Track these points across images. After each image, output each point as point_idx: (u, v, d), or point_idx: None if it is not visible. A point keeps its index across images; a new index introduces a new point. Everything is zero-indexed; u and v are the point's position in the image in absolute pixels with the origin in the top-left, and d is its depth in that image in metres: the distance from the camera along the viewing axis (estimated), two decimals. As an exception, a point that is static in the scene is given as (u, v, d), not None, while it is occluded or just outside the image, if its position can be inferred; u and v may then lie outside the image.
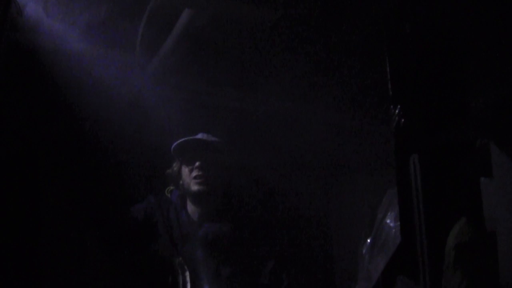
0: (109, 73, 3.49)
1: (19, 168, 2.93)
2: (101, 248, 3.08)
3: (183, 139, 3.23)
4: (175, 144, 3.24)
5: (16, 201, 2.84)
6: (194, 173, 3.15)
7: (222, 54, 3.48)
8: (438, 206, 2.03)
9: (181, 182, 3.23)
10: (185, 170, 3.19)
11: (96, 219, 3.13)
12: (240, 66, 3.58)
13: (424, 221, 2.00)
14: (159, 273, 2.98)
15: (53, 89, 3.30)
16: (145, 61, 3.62)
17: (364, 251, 3.18)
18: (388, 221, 2.96)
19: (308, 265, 3.97)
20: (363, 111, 3.61)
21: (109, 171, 3.54)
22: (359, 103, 3.58)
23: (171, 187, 3.28)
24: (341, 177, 4.25)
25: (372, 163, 3.87)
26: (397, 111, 2.12)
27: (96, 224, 3.12)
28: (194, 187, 3.13)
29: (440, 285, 1.92)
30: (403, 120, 2.11)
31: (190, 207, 3.19)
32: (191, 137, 3.22)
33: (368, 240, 3.12)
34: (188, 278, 2.96)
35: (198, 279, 2.98)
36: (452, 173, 2.06)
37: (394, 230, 2.86)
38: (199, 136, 3.24)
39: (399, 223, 2.37)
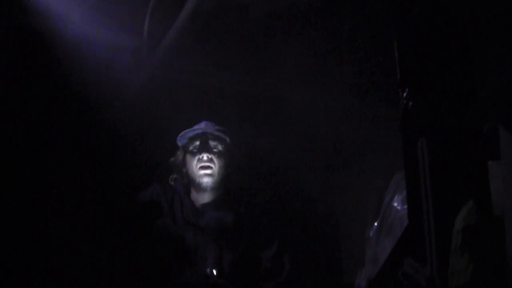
0: (116, 57, 3.49)
1: (27, 153, 2.94)
2: (107, 234, 3.10)
3: (189, 130, 3.24)
4: (180, 134, 3.25)
5: (24, 186, 2.86)
6: (200, 164, 3.16)
7: (230, 38, 3.48)
8: (446, 189, 2.03)
9: (185, 170, 3.24)
10: (190, 159, 3.20)
11: (102, 206, 3.16)
12: (248, 50, 3.58)
13: (432, 204, 2.00)
14: (163, 259, 2.99)
15: (60, 73, 3.31)
16: (153, 45, 3.62)
17: (371, 234, 3.18)
18: (395, 204, 2.97)
19: (312, 249, 3.98)
20: (371, 95, 3.60)
21: (115, 158, 3.56)
22: (366, 87, 3.57)
23: (175, 175, 3.29)
24: (348, 161, 4.25)
25: (379, 147, 3.87)
26: (405, 94, 2.11)
27: (102, 211, 3.15)
28: (202, 179, 3.15)
29: (447, 267, 1.92)
30: (411, 103, 2.10)
31: (194, 195, 3.20)
32: (197, 128, 3.23)
33: (375, 223, 3.13)
34: (191, 264, 2.98)
35: (201, 265, 2.99)
36: (460, 156, 2.05)
37: (401, 213, 2.87)
38: (203, 125, 3.24)
39: (406, 206, 2.38)
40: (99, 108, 3.50)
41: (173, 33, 3.41)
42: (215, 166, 3.16)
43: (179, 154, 3.28)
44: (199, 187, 3.18)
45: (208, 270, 2.99)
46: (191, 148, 3.22)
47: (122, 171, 3.57)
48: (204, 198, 3.19)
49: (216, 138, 3.21)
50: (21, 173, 2.91)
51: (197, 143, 3.20)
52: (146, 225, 3.09)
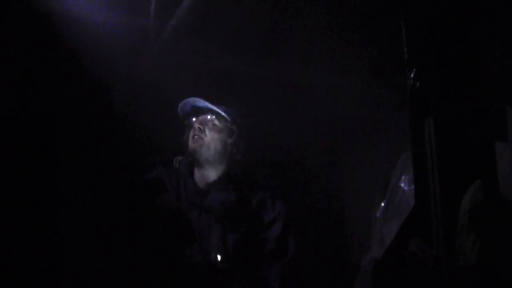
0: (123, 39, 3.49)
1: (35, 133, 2.96)
2: (112, 216, 3.12)
3: (185, 102, 3.25)
4: (179, 105, 3.27)
5: (32, 166, 2.88)
6: (192, 134, 3.19)
7: (238, 18, 3.47)
8: (453, 170, 2.03)
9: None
10: (188, 133, 3.23)
11: (108, 187, 3.17)
12: (256, 31, 3.57)
13: (438, 185, 2.00)
14: (166, 239, 3.01)
15: (66, 54, 3.32)
16: (160, 26, 3.62)
17: (377, 215, 3.19)
18: (402, 184, 2.97)
19: (318, 230, 4.00)
20: (377, 76, 3.60)
21: (121, 140, 3.57)
22: (373, 68, 3.57)
23: (179, 157, 3.30)
24: (354, 143, 4.25)
25: (386, 129, 3.87)
26: (412, 74, 2.11)
27: (108, 192, 3.16)
28: (190, 145, 3.17)
29: (453, 248, 1.93)
30: (418, 83, 2.10)
31: (197, 176, 3.21)
32: (192, 101, 3.24)
33: (382, 204, 3.13)
34: (195, 244, 2.99)
35: (205, 246, 3.01)
36: (467, 137, 2.05)
37: (408, 193, 2.87)
38: (194, 99, 3.25)
39: (413, 186, 2.38)
40: (106, 90, 3.50)
41: (180, 14, 3.41)
42: (206, 137, 3.17)
43: (186, 133, 3.30)
44: (196, 162, 3.18)
45: (212, 254, 3.00)
46: (188, 123, 3.25)
47: (128, 153, 3.58)
48: (207, 177, 3.19)
49: (210, 112, 3.22)
50: (30, 153, 2.92)
51: (191, 116, 3.23)
52: (150, 206, 3.11)
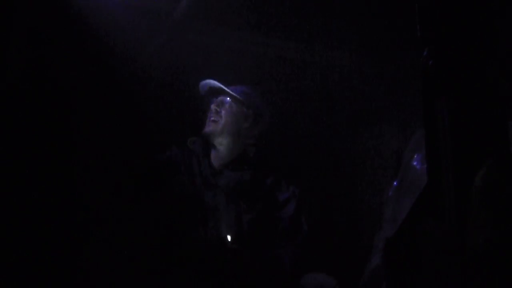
0: (134, 18, 3.49)
1: (50, 111, 2.98)
2: (125, 196, 3.14)
3: (201, 84, 3.26)
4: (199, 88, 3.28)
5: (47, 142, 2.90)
6: (208, 115, 3.20)
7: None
8: (465, 148, 2.03)
9: None
10: (205, 114, 3.24)
11: (120, 165, 3.19)
12: (268, 9, 3.56)
13: (451, 162, 2.00)
14: (181, 222, 3.02)
15: (81, 36, 3.32)
16: (171, 6, 3.61)
17: (390, 193, 3.20)
18: (414, 163, 2.97)
19: (330, 210, 4.01)
20: (390, 54, 3.58)
21: (134, 121, 3.58)
22: (386, 47, 3.55)
23: (194, 138, 3.31)
24: (366, 122, 4.24)
25: (398, 108, 3.85)
26: (425, 52, 2.10)
27: (120, 171, 3.18)
28: (206, 128, 3.17)
29: (466, 225, 1.93)
30: (431, 61, 2.09)
31: (212, 156, 3.21)
32: (206, 82, 3.24)
33: (395, 183, 3.14)
34: (210, 226, 3.01)
35: (219, 226, 3.02)
36: (480, 115, 2.05)
37: (420, 172, 2.87)
38: (212, 81, 3.25)
39: (425, 165, 2.38)
40: (119, 70, 3.51)
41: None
42: (222, 120, 3.18)
43: (202, 112, 3.31)
44: (212, 140, 3.19)
45: (226, 234, 3.02)
46: (206, 102, 3.26)
47: (141, 133, 3.60)
48: (221, 158, 3.19)
49: (227, 95, 3.22)
50: (44, 131, 2.95)
51: (209, 98, 3.24)
52: (163, 186, 3.12)
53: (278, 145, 3.80)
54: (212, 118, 3.18)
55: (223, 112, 3.19)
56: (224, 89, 3.21)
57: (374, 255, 3.37)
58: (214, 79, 3.27)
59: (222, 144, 3.18)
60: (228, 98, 3.22)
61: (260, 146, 3.29)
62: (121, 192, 3.11)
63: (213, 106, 3.21)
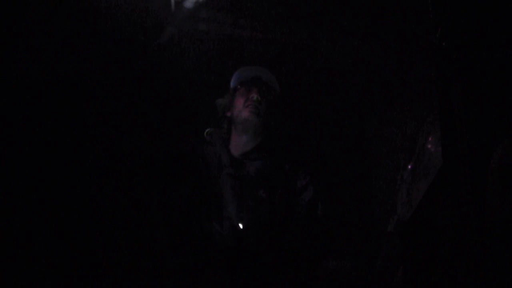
0: (144, 8, 3.49)
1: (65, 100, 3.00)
2: (143, 189, 3.15)
3: (244, 72, 3.24)
4: (239, 71, 3.26)
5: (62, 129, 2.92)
6: (249, 103, 3.17)
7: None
8: (481, 129, 2.03)
9: (229, 114, 3.23)
10: (239, 100, 3.20)
11: (138, 161, 3.20)
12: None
13: (467, 144, 2.00)
14: (200, 213, 3.04)
15: (91, 28, 3.33)
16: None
17: (404, 177, 3.19)
18: (429, 146, 2.96)
19: (345, 197, 4.00)
20: (403, 36, 3.56)
21: (144, 112, 3.59)
22: (398, 28, 3.53)
23: (210, 129, 3.31)
24: (378, 108, 4.23)
25: (409, 92, 3.84)
26: (438, 33, 2.09)
27: (138, 167, 3.19)
28: (245, 113, 3.14)
29: (483, 206, 1.93)
30: (444, 42, 2.08)
31: (232, 145, 3.21)
32: (254, 72, 3.22)
33: (409, 166, 3.14)
34: (225, 215, 3.02)
35: (239, 215, 3.03)
36: (494, 95, 2.04)
37: (435, 154, 2.87)
38: (259, 70, 3.23)
39: (440, 147, 2.37)
40: (128, 60, 3.51)
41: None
42: (262, 110, 3.18)
43: (227, 96, 3.28)
44: (242, 128, 3.17)
45: (237, 223, 3.03)
46: (242, 90, 3.22)
47: (155, 126, 3.61)
48: (243, 147, 3.19)
49: (269, 86, 3.22)
50: (59, 117, 2.97)
51: (251, 86, 3.21)
52: (179, 175, 3.12)
53: (293, 133, 3.80)
54: (254, 107, 3.16)
55: (265, 102, 3.18)
56: (272, 82, 3.20)
57: (389, 239, 3.38)
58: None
59: (252, 132, 3.18)
60: (271, 90, 3.21)
61: (277, 135, 3.29)
62: (138, 186, 3.12)
63: (255, 95, 3.18)
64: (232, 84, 3.25)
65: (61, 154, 2.92)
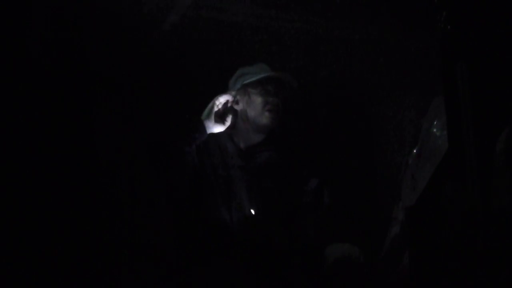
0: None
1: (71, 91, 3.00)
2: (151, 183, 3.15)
3: (269, 75, 3.18)
4: (255, 67, 3.21)
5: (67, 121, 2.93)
6: (268, 107, 3.13)
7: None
8: (486, 112, 2.02)
9: (240, 108, 3.18)
10: (256, 98, 3.15)
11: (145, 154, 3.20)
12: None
13: (472, 127, 1.99)
14: (208, 203, 3.04)
15: (96, 16, 3.33)
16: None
17: (409, 161, 3.19)
18: (434, 130, 2.96)
19: (351, 184, 4.01)
20: (407, 20, 3.54)
21: (146, 102, 3.60)
22: (403, 12, 3.51)
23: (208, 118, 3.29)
24: (382, 94, 4.23)
25: (412, 79, 3.84)
26: (443, 17, 2.08)
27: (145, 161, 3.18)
28: (265, 119, 3.11)
29: (489, 190, 1.92)
30: (449, 26, 2.07)
31: (241, 138, 3.19)
32: (275, 74, 3.18)
33: (414, 151, 3.13)
34: (234, 204, 3.03)
35: (245, 205, 3.04)
36: (500, 78, 2.03)
37: (440, 138, 2.87)
38: (279, 72, 3.19)
39: (445, 131, 2.37)
40: (132, 47, 3.51)
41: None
42: (279, 112, 3.16)
43: (240, 91, 3.21)
44: (256, 128, 3.15)
45: (247, 212, 3.04)
46: (259, 89, 3.16)
47: (153, 116, 3.61)
48: (252, 140, 3.18)
49: (286, 86, 3.19)
50: (64, 107, 2.98)
51: (269, 87, 3.16)
52: (187, 170, 3.12)
53: (299, 121, 3.80)
54: (275, 115, 3.14)
55: (281, 105, 3.16)
56: (292, 81, 3.17)
57: (394, 225, 3.39)
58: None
59: (262, 133, 3.17)
60: (288, 93, 3.19)
61: (284, 125, 3.28)
62: (147, 180, 3.13)
63: (275, 100, 3.14)
64: (246, 78, 3.18)
65: (61, 152, 2.93)
